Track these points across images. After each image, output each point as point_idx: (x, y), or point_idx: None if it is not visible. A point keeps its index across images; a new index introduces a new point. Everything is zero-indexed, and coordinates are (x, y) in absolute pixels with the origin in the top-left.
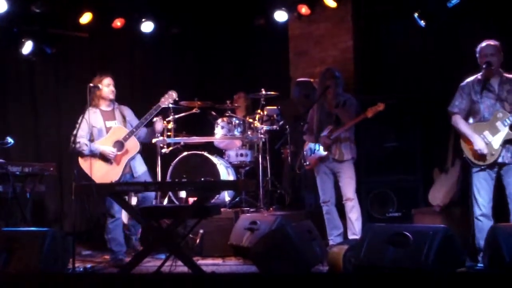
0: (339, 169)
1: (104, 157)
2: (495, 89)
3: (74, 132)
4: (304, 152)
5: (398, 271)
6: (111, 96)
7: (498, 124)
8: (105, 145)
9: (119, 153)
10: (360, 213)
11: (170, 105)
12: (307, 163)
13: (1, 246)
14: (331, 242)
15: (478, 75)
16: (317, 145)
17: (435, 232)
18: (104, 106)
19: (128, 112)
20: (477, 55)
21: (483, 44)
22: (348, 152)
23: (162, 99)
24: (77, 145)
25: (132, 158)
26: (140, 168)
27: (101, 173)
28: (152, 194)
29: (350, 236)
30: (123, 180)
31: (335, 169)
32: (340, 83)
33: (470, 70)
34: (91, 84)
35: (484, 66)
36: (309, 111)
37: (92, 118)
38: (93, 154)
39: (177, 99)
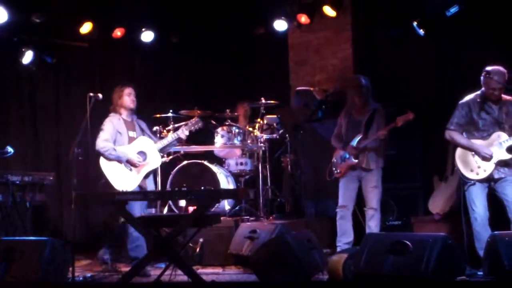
0: (365, 177)
1: (126, 163)
2: (494, 111)
3: (99, 135)
4: (334, 160)
5: (398, 280)
6: (132, 106)
7: (496, 144)
8: (130, 153)
9: (143, 162)
10: (379, 222)
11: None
12: (338, 170)
13: (1, 255)
14: (339, 249)
15: (477, 95)
16: (347, 153)
17: (435, 240)
18: (125, 115)
19: (144, 125)
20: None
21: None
22: (374, 161)
23: (190, 124)
24: (104, 149)
25: (152, 171)
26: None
27: (121, 178)
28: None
29: None
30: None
31: (361, 176)
32: (368, 91)
33: (468, 78)
34: (91, 94)
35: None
36: (309, 120)
37: (117, 124)
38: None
39: (202, 127)
